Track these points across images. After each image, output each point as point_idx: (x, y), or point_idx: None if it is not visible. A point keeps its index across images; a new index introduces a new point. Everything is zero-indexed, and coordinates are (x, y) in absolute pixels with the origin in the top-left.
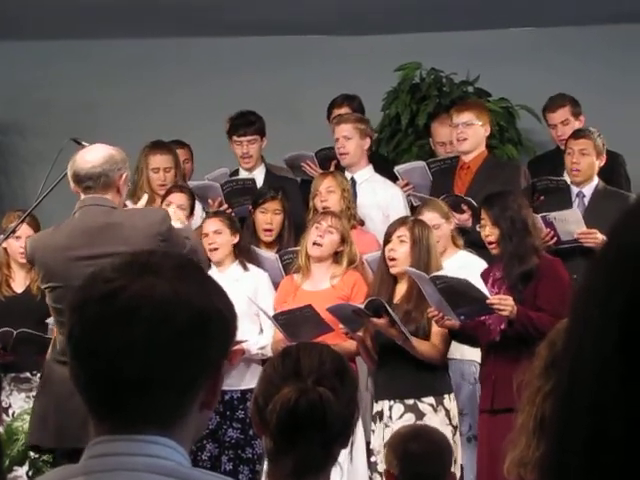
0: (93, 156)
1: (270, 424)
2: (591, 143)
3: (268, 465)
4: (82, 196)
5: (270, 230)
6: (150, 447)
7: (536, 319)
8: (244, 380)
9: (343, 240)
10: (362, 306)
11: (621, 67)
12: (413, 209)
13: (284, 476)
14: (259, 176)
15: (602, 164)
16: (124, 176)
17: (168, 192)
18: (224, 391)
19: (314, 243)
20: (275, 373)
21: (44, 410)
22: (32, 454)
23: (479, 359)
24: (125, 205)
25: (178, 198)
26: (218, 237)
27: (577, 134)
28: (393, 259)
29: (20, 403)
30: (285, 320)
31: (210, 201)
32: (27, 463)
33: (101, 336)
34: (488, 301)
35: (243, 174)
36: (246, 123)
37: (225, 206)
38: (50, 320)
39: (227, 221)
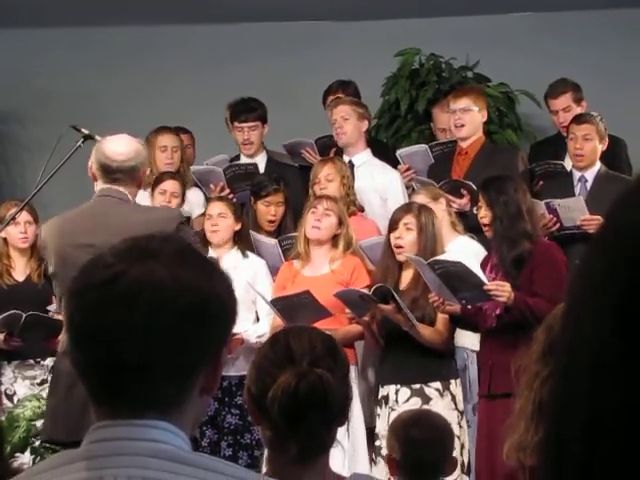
0: (125, 149)
1: (272, 412)
2: (594, 128)
3: (269, 452)
4: (100, 184)
5: (273, 221)
6: (151, 431)
7: (533, 305)
8: (242, 367)
9: (340, 223)
10: (369, 292)
11: (621, 52)
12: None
13: (288, 461)
14: (260, 163)
15: (604, 148)
16: (147, 171)
17: (160, 180)
18: (222, 377)
19: (313, 227)
20: (267, 361)
21: (55, 406)
22: (34, 440)
23: (471, 346)
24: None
25: (170, 185)
26: (221, 220)
27: (579, 119)
28: (400, 246)
29: (24, 390)
30: (283, 305)
31: (212, 186)
32: (29, 449)
33: (101, 321)
34: (485, 287)
35: (244, 160)
36: (247, 109)
37: (227, 191)
38: (52, 307)
39: (232, 207)
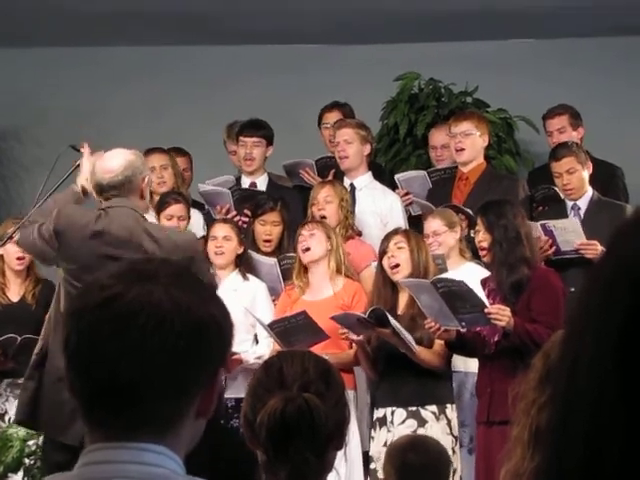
0: (113, 164)
1: (260, 437)
2: (573, 159)
3: (265, 477)
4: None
5: (269, 241)
6: (144, 455)
7: (532, 331)
8: (239, 389)
9: (329, 239)
10: (365, 315)
11: (621, 79)
12: (411, 218)
13: None
14: (261, 185)
15: (590, 172)
16: (146, 179)
17: (165, 204)
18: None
19: (303, 250)
20: (260, 385)
21: (34, 392)
22: (27, 460)
23: (471, 369)
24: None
25: (176, 209)
26: (226, 243)
27: (557, 155)
28: (396, 265)
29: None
30: (280, 328)
31: (218, 207)
32: (22, 470)
33: (97, 343)
34: (486, 310)
35: (245, 180)
36: (254, 126)
37: (234, 213)
38: None
39: (236, 230)
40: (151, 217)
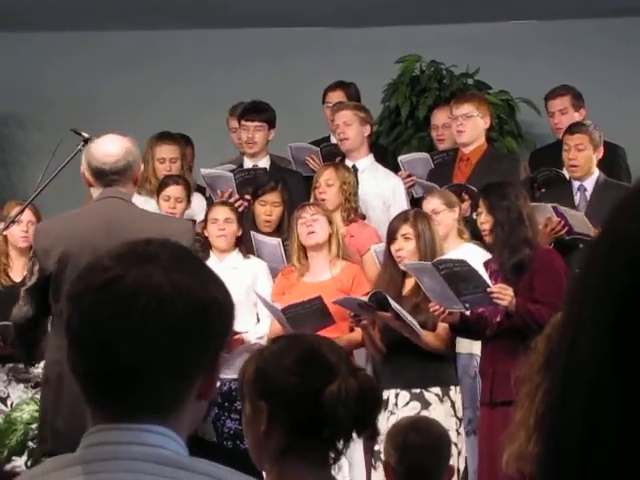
0: (115, 149)
1: (334, 413)
2: (586, 137)
3: (288, 460)
4: (97, 188)
5: (269, 221)
6: (147, 436)
7: (535, 311)
8: None
9: (330, 224)
10: (367, 299)
11: (622, 61)
12: (413, 201)
13: (310, 467)
14: (264, 167)
15: (600, 156)
16: (142, 167)
17: (164, 185)
18: (222, 382)
19: (308, 233)
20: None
21: (58, 421)
22: (31, 443)
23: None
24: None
25: (174, 190)
26: (228, 225)
27: (572, 129)
28: (402, 257)
29: (18, 393)
30: (292, 313)
31: (219, 192)
32: (25, 453)
33: (98, 324)
34: (489, 289)
35: (247, 163)
36: (256, 109)
37: (236, 197)
38: None
39: (235, 213)
40: (151, 200)
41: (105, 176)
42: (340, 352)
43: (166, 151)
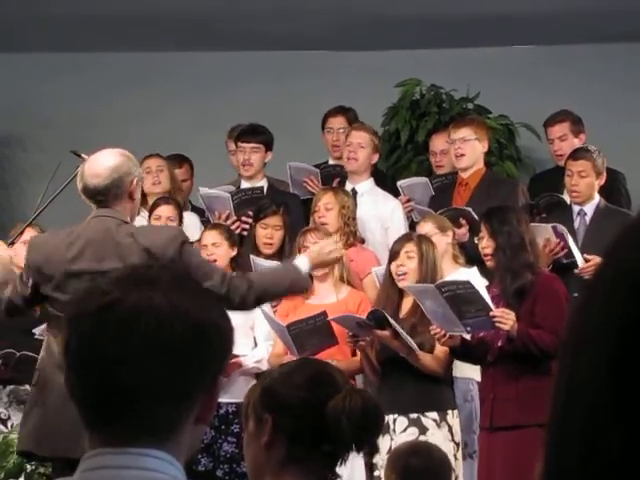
0: (100, 168)
1: (336, 427)
2: (589, 164)
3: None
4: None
5: (270, 244)
6: (144, 460)
7: (536, 336)
8: (239, 394)
9: None
10: (365, 317)
11: (623, 85)
12: (412, 225)
13: None
14: (261, 186)
15: (602, 183)
16: (135, 181)
17: (155, 205)
18: (219, 405)
19: None
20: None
21: (40, 418)
22: (28, 466)
23: (477, 377)
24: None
25: (165, 210)
26: (216, 249)
27: (575, 155)
28: (403, 274)
29: (19, 415)
30: (297, 330)
31: (217, 213)
32: (23, 476)
33: (97, 348)
34: (491, 313)
35: (244, 185)
36: (253, 132)
37: (233, 219)
38: (37, 330)
39: (226, 234)
40: (143, 219)
41: (92, 196)
42: (345, 375)
43: (151, 161)
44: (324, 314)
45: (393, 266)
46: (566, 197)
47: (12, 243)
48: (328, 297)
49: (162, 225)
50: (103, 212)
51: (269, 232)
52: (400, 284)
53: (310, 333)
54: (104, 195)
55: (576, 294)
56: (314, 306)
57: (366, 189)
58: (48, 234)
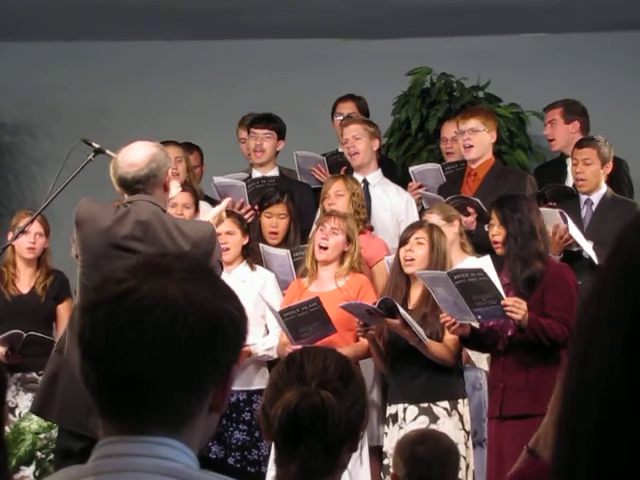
0: (137, 158)
1: (272, 429)
2: (594, 152)
3: (276, 470)
4: (127, 196)
5: (275, 233)
6: (157, 448)
7: (547, 326)
8: (250, 382)
9: (349, 240)
10: (376, 306)
11: (634, 74)
12: (419, 213)
13: None
14: (274, 176)
15: (608, 171)
16: (170, 171)
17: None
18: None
19: (320, 247)
20: (280, 379)
21: (53, 381)
22: (39, 454)
23: (485, 366)
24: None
25: (180, 197)
26: (230, 238)
27: (581, 143)
28: (411, 259)
29: (26, 403)
30: (291, 317)
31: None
32: (34, 463)
33: (111, 336)
34: (503, 302)
35: (256, 173)
36: (265, 119)
37: (247, 207)
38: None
39: (238, 222)
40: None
41: (129, 185)
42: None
43: (170, 151)
44: (316, 300)
45: (402, 251)
46: (574, 182)
47: (22, 232)
48: (329, 284)
49: (196, 220)
50: (144, 197)
51: (274, 221)
52: (407, 269)
53: (305, 320)
54: (144, 184)
55: (580, 282)
56: (314, 294)
57: (377, 180)
58: (97, 206)
